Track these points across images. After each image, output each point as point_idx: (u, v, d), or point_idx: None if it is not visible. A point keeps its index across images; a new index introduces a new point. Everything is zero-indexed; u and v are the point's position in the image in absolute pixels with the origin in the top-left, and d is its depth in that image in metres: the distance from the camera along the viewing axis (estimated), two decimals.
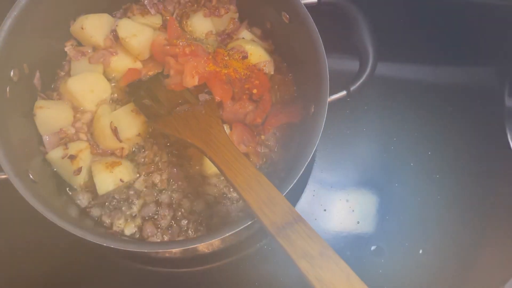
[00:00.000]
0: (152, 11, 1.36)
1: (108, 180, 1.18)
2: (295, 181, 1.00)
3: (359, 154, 1.42)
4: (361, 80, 1.13)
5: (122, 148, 1.23)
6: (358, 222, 1.33)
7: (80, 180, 1.20)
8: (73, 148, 1.20)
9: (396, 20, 1.57)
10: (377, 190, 1.37)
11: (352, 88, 1.13)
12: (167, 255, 1.26)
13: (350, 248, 1.30)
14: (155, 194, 1.22)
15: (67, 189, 1.21)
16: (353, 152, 1.42)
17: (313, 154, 1.03)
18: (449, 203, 1.36)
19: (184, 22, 1.38)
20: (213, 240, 0.97)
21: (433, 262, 1.30)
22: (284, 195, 0.91)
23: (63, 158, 1.18)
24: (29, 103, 1.21)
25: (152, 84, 1.26)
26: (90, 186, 1.20)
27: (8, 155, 1.03)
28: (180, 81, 1.23)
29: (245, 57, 1.29)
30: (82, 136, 1.24)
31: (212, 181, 1.22)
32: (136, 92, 1.24)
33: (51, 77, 1.31)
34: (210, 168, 1.20)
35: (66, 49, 1.31)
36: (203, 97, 1.18)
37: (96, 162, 1.21)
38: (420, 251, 1.30)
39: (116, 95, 1.30)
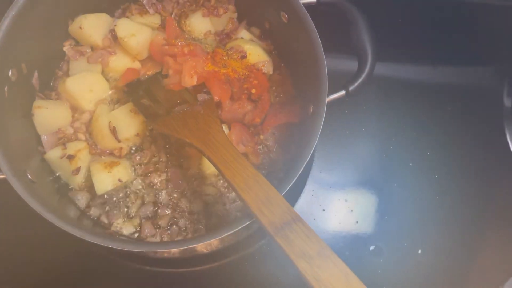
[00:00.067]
0: (151, 10, 1.37)
1: (106, 180, 1.18)
2: (293, 181, 1.00)
3: (358, 154, 1.42)
4: (360, 80, 1.13)
5: (121, 148, 1.23)
6: (357, 222, 1.33)
7: (78, 180, 1.19)
8: (72, 148, 1.19)
9: (395, 20, 1.58)
10: (376, 190, 1.37)
11: (351, 88, 1.13)
12: (165, 255, 1.25)
13: (349, 248, 1.30)
14: (154, 194, 1.22)
15: (66, 189, 1.21)
16: (352, 152, 1.42)
17: (312, 154, 1.03)
18: (448, 203, 1.36)
19: (183, 22, 1.38)
20: (211, 240, 0.97)
21: (432, 262, 1.30)
22: (283, 195, 0.91)
23: (61, 158, 1.18)
24: (27, 103, 1.21)
25: (150, 84, 1.26)
26: (89, 186, 1.20)
27: (6, 155, 1.03)
28: (178, 80, 1.23)
29: (243, 57, 1.29)
30: (81, 136, 1.24)
31: (210, 181, 1.22)
32: (135, 92, 1.24)
33: (49, 77, 1.31)
34: (209, 168, 1.20)
35: (64, 48, 1.31)
36: (201, 97, 1.18)
37: (95, 162, 1.21)
38: (419, 251, 1.30)
39: (114, 94, 1.29)
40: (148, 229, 1.17)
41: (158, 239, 1.18)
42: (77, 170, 1.18)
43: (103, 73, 1.30)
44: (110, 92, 1.29)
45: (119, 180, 1.18)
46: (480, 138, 1.43)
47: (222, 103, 1.22)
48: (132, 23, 1.30)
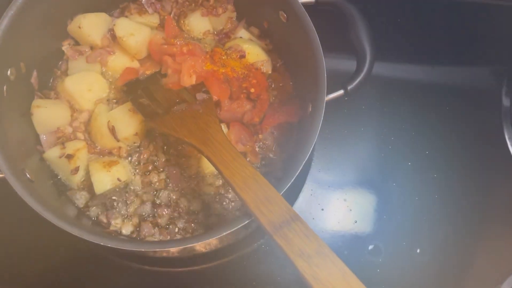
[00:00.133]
0: (150, 10, 1.37)
1: (105, 179, 1.17)
2: (292, 180, 1.00)
3: (357, 153, 1.42)
4: (358, 79, 1.13)
5: (120, 148, 1.23)
6: (356, 222, 1.33)
7: (77, 179, 1.19)
8: (71, 147, 1.19)
9: (394, 20, 1.58)
10: (375, 189, 1.37)
11: (349, 88, 1.13)
12: (164, 254, 1.25)
13: (348, 248, 1.30)
14: (153, 193, 1.22)
15: (64, 188, 1.21)
16: (350, 151, 1.42)
17: (310, 154, 1.04)
18: (446, 203, 1.36)
19: (182, 21, 1.38)
20: (210, 239, 0.97)
21: (430, 261, 1.30)
22: (282, 194, 0.91)
23: (60, 157, 1.17)
24: (26, 102, 1.21)
25: (149, 83, 1.26)
26: (88, 186, 1.20)
27: (4, 154, 1.03)
28: (177, 80, 1.23)
29: (242, 56, 1.29)
30: (80, 135, 1.24)
31: (209, 181, 1.22)
32: (134, 91, 1.24)
33: (48, 76, 1.31)
34: (208, 167, 1.20)
35: (63, 48, 1.31)
36: (200, 96, 1.18)
37: (94, 161, 1.21)
38: (418, 251, 1.30)
39: (113, 94, 1.29)
40: (147, 229, 1.17)
41: (157, 238, 1.18)
42: (76, 169, 1.18)
43: (102, 72, 1.31)
44: (109, 91, 1.29)
45: (118, 179, 1.18)
46: (478, 138, 1.43)
47: (221, 102, 1.22)
48: (131, 23, 1.30)
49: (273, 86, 1.31)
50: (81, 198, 1.20)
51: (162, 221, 1.19)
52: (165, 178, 1.23)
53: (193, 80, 1.21)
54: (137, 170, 1.23)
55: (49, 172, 1.21)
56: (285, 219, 0.86)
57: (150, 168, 1.23)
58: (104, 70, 1.31)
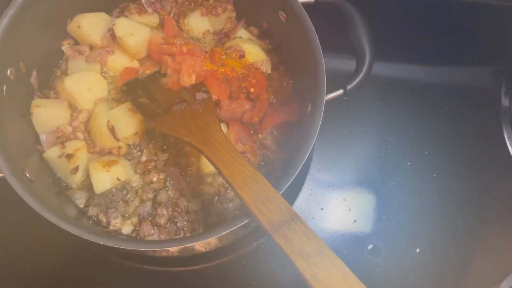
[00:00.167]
0: (150, 10, 1.37)
1: (105, 179, 1.18)
2: (292, 179, 1.00)
3: (356, 153, 1.42)
4: (358, 79, 1.13)
5: (119, 147, 1.23)
6: (355, 221, 1.33)
7: (77, 179, 1.20)
8: (70, 147, 1.19)
9: (393, 20, 1.58)
10: (374, 189, 1.37)
11: (349, 87, 1.13)
12: (164, 254, 1.25)
13: (347, 247, 1.30)
14: (152, 193, 1.22)
15: (64, 188, 1.21)
16: (350, 151, 1.42)
17: (310, 153, 1.04)
18: (446, 202, 1.36)
19: (181, 21, 1.38)
20: (210, 239, 0.97)
21: (430, 261, 1.30)
22: (281, 194, 0.91)
23: (60, 157, 1.17)
24: (26, 102, 1.21)
25: (149, 83, 1.26)
26: (87, 185, 1.20)
27: (4, 154, 1.03)
28: (177, 80, 1.23)
29: (242, 56, 1.29)
30: (79, 135, 1.24)
31: (209, 180, 1.22)
32: (133, 91, 1.24)
33: (48, 76, 1.31)
34: (207, 167, 1.20)
35: (63, 48, 1.31)
36: (200, 96, 1.18)
37: (93, 161, 1.21)
38: (417, 250, 1.30)
39: (113, 94, 1.29)
40: (146, 228, 1.17)
41: (156, 238, 1.18)
42: (76, 169, 1.18)
43: (101, 72, 1.31)
44: (108, 91, 1.29)
45: (118, 179, 1.18)
46: (477, 137, 1.43)
47: (221, 102, 1.22)
48: (131, 22, 1.30)
49: (272, 86, 1.31)
50: (80, 198, 1.20)
51: (161, 220, 1.19)
52: (164, 177, 1.23)
53: (192, 80, 1.22)
54: (137, 170, 1.23)
55: (49, 171, 1.21)
56: (284, 219, 0.86)
57: (149, 167, 1.23)
58: (103, 69, 1.31)
